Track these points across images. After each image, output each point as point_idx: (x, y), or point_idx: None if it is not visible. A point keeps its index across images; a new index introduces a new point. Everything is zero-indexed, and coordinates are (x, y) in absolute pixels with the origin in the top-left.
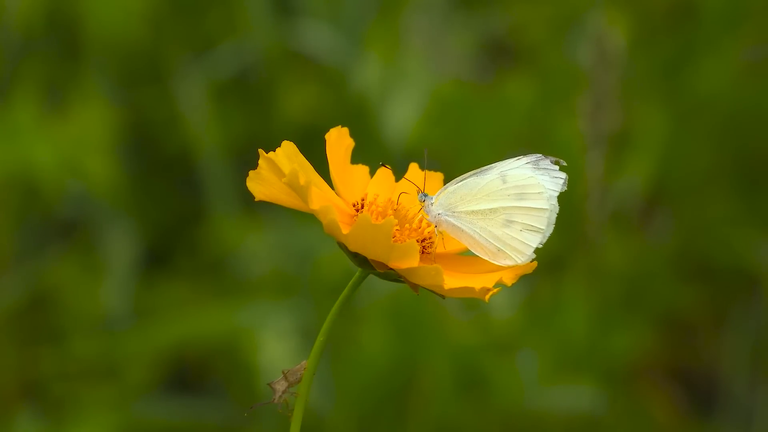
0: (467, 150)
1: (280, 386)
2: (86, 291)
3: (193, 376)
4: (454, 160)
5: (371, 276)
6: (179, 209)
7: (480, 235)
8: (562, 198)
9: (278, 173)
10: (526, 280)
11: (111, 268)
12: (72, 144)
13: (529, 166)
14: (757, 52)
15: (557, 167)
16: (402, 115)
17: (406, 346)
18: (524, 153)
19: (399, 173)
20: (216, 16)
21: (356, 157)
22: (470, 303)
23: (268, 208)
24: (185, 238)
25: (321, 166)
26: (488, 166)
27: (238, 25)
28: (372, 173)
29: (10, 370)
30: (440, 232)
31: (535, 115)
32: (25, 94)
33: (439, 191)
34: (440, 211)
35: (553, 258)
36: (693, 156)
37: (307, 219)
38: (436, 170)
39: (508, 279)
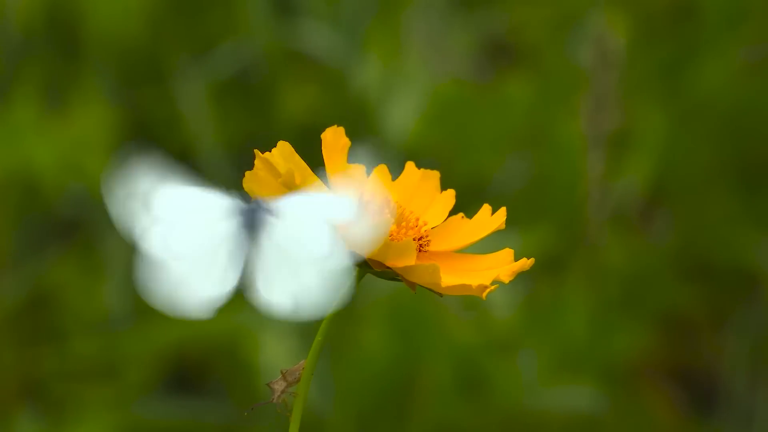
0: (467, 150)
1: (279, 386)
2: (86, 291)
3: (193, 376)
4: (454, 160)
5: (371, 276)
6: None
7: None
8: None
9: (274, 173)
10: (526, 279)
11: (111, 268)
12: (72, 144)
13: None
14: (757, 52)
15: None
16: (402, 115)
17: (406, 345)
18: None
19: (399, 173)
20: (216, 16)
21: (356, 157)
22: (470, 302)
23: None
24: None
25: (321, 166)
26: None
27: (238, 25)
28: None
29: (10, 370)
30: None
31: (535, 115)
32: (25, 94)
33: None
34: None
35: (553, 258)
36: (693, 156)
37: None
38: (435, 170)
39: (505, 276)
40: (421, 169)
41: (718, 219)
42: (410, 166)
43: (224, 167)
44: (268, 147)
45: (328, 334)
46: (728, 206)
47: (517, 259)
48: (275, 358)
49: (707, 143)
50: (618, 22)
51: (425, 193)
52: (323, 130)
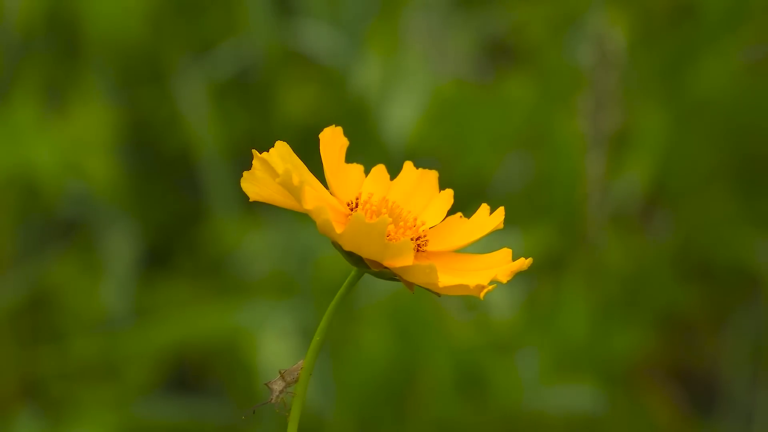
0: (467, 150)
1: (277, 386)
2: (86, 291)
3: (193, 376)
4: (454, 160)
5: (372, 276)
6: (179, 209)
7: None
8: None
9: (272, 173)
10: (525, 279)
11: (111, 268)
12: (72, 144)
13: None
14: (757, 52)
15: None
16: (402, 115)
17: (406, 346)
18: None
19: (398, 173)
20: (216, 16)
21: (356, 158)
22: (470, 303)
23: (268, 208)
24: (185, 238)
25: (321, 166)
26: None
27: (238, 25)
28: (368, 172)
29: (10, 370)
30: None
31: (535, 115)
32: (25, 94)
33: None
34: None
35: (553, 258)
36: (693, 156)
37: (306, 219)
38: (435, 169)
39: (503, 276)
40: (420, 169)
41: (718, 219)
42: (408, 165)
43: (224, 167)
44: (267, 147)
45: (328, 334)
46: (728, 206)
47: (516, 258)
48: (275, 358)
49: (707, 143)
50: (618, 22)
51: (423, 193)
52: (323, 130)
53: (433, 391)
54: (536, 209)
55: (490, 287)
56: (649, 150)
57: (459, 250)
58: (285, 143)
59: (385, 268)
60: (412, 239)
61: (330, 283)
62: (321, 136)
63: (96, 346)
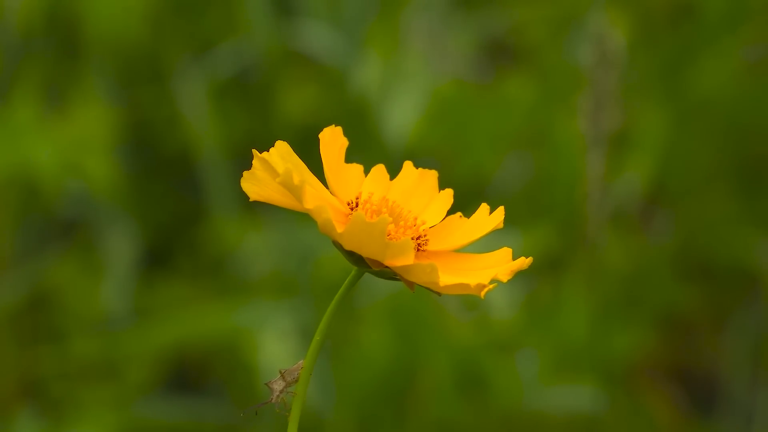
0: (467, 150)
1: (278, 386)
2: (86, 291)
3: (193, 376)
4: (454, 160)
5: (371, 276)
6: (179, 209)
7: None
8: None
9: (272, 173)
10: (525, 279)
11: (111, 268)
12: (72, 144)
13: None
14: (757, 52)
15: None
16: (402, 115)
17: (406, 346)
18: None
19: (398, 173)
20: (216, 16)
21: (356, 157)
22: (470, 303)
23: (268, 208)
24: (185, 238)
25: (321, 166)
26: None
27: (238, 25)
28: (368, 172)
29: (10, 370)
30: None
31: (535, 115)
32: (25, 94)
33: None
34: None
35: (553, 258)
36: (693, 156)
37: (306, 219)
38: (434, 169)
39: (504, 275)
40: (419, 169)
41: (718, 219)
42: (408, 165)
43: (224, 167)
44: (267, 147)
45: (328, 334)
46: (728, 206)
47: (516, 258)
48: (275, 358)
49: (707, 143)
50: (618, 22)
51: (423, 193)
52: (323, 130)
53: (433, 391)
54: (536, 209)
55: (491, 286)
56: (649, 150)
57: (459, 249)
58: (285, 143)
59: (386, 267)
60: (412, 238)
61: (330, 283)
62: (321, 136)
63: (96, 346)
